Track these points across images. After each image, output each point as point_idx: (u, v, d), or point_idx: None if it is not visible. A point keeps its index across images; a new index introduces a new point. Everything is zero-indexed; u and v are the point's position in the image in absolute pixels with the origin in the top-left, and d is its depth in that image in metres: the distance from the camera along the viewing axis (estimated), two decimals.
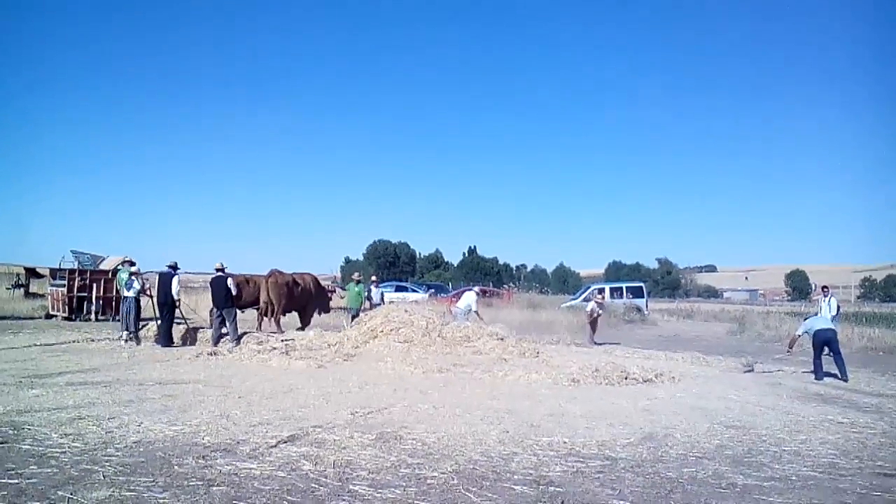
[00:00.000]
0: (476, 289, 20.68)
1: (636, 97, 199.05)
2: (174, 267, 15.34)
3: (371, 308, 18.89)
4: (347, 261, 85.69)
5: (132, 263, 16.14)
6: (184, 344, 15.15)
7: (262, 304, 17.11)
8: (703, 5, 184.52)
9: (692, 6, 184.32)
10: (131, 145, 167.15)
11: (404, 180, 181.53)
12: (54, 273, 22.49)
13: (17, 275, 28.97)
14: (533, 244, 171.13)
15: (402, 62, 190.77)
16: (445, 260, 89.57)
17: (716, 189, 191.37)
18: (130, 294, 15.14)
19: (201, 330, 15.96)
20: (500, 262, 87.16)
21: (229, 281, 14.72)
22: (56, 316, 21.10)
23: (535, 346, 14.97)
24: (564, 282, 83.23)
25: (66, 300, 20.91)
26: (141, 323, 15.55)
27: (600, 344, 18.81)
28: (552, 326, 23.75)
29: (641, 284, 37.90)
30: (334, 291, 20.39)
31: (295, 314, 18.51)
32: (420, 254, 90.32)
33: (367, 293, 20.28)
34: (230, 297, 14.68)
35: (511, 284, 47.41)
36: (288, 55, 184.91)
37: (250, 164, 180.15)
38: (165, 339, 14.84)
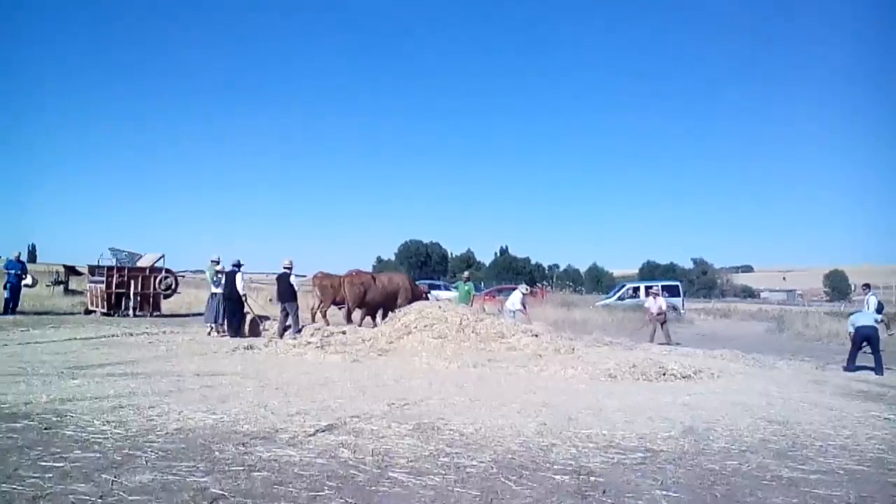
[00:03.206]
0: (523, 288, 20.66)
1: (671, 96, 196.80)
2: (238, 265, 16.36)
3: None
4: (379, 260, 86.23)
5: (217, 262, 17.45)
6: (250, 335, 15.91)
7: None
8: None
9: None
10: (168, 147, 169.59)
11: (436, 180, 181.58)
12: (93, 270, 22.80)
13: (57, 272, 29.40)
14: (566, 244, 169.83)
15: (432, 61, 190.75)
16: (477, 259, 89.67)
17: (753, 188, 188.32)
18: (218, 290, 16.42)
19: (268, 321, 16.76)
20: (533, 261, 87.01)
21: (292, 277, 15.85)
22: (95, 312, 21.41)
23: (570, 343, 14.85)
24: (598, 281, 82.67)
25: (105, 296, 21.22)
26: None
27: (669, 344, 18.51)
28: (587, 325, 23.60)
29: (678, 283, 37.53)
30: (429, 292, 20.75)
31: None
32: (452, 253, 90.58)
33: None
34: (293, 291, 15.75)
35: (545, 283, 47.13)
36: (317, 56, 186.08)
37: (281, 164, 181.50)
38: (234, 331, 15.90)
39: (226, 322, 16.11)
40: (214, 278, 16.97)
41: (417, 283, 22.57)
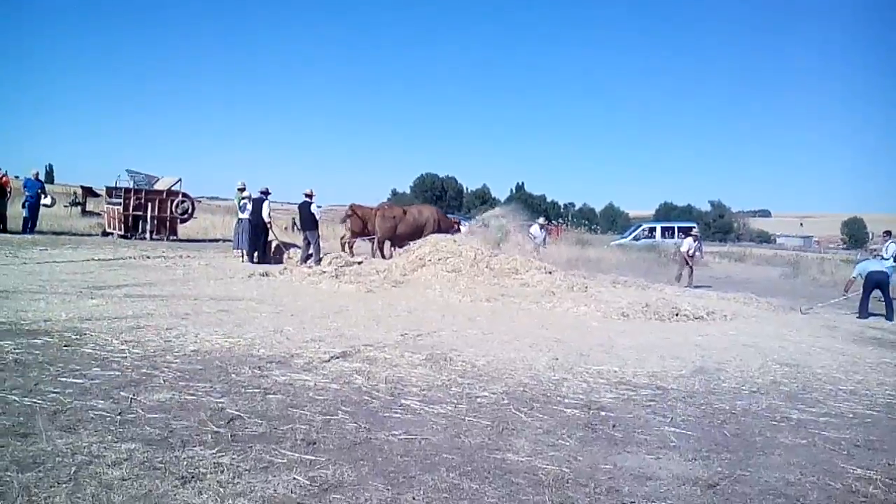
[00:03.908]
0: (541, 220, 20.85)
1: (692, 36, 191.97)
2: (265, 192, 16.70)
3: None
4: (394, 193, 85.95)
5: (243, 189, 17.61)
6: (274, 262, 16.35)
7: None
8: None
9: None
10: (188, 72, 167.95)
11: (454, 114, 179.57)
12: (110, 192, 22.84)
13: (75, 193, 29.38)
14: (582, 183, 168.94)
15: None
16: (493, 195, 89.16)
17: (774, 133, 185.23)
18: (245, 216, 16.61)
19: (292, 249, 17.22)
20: (548, 199, 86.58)
21: (313, 206, 16.14)
22: (112, 233, 21.54)
23: (583, 281, 14.85)
24: (613, 221, 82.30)
25: (122, 218, 21.33)
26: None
27: (697, 287, 18.36)
28: (601, 264, 23.57)
29: (694, 225, 37.20)
30: (459, 223, 20.86)
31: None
32: (467, 188, 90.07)
33: None
34: (314, 220, 16.10)
35: (560, 220, 46.98)
36: None
37: (299, 95, 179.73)
38: (261, 255, 16.44)
39: (246, 247, 16.33)
40: (241, 204, 17.14)
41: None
